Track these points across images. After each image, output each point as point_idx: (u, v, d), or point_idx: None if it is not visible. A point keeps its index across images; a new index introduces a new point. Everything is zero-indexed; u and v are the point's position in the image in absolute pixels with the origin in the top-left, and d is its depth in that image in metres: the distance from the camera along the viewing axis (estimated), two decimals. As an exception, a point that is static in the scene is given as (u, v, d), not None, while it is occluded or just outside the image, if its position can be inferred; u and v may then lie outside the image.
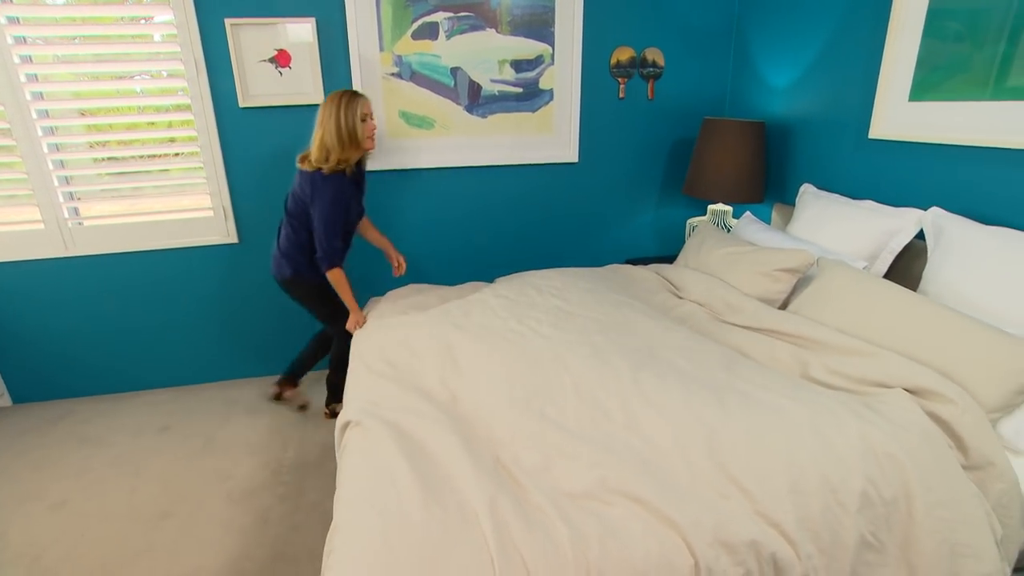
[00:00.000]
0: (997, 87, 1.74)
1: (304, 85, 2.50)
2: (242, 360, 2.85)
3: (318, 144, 2.03)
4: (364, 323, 2.04)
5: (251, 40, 2.38)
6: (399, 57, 2.56)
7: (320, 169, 2.03)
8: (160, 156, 2.52)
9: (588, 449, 1.19)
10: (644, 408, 1.27)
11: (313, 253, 2.12)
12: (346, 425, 1.43)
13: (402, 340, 1.73)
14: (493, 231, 2.93)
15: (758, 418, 1.22)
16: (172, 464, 2.24)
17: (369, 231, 2.43)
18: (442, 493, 1.11)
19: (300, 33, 2.42)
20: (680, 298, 2.10)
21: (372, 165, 2.64)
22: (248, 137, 2.52)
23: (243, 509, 1.99)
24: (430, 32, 2.56)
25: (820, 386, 1.43)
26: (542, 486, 1.13)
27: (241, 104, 2.44)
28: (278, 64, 2.45)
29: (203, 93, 2.41)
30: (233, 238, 2.65)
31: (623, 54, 2.81)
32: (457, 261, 2.94)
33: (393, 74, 2.58)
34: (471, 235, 2.91)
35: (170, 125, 2.54)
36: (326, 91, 2.52)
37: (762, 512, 1.09)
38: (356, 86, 2.53)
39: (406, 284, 2.40)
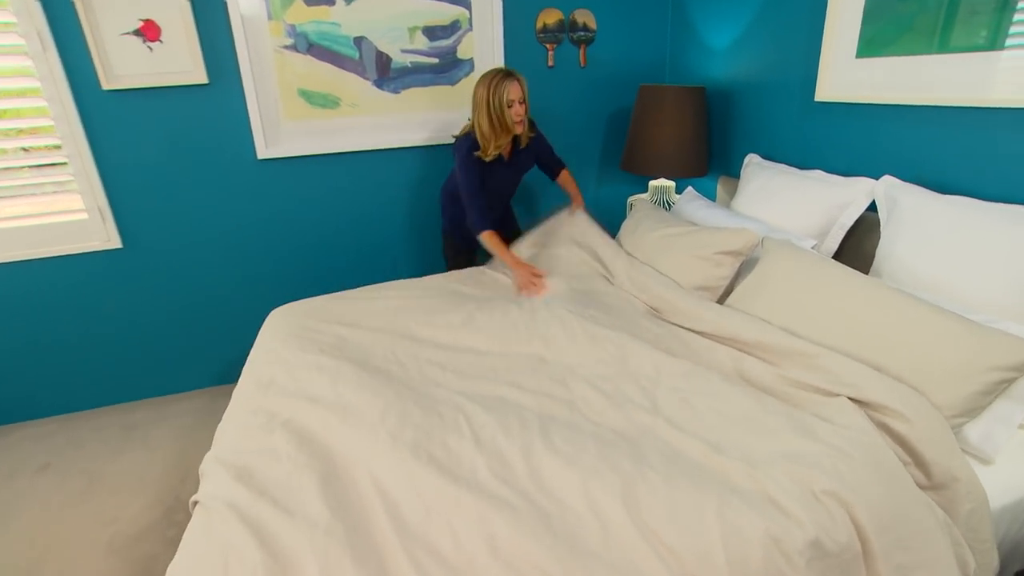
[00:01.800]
0: (943, 39, 1.54)
1: (181, 62, 2.15)
2: (142, 379, 2.53)
3: (477, 131, 2.02)
4: (536, 279, 1.91)
5: (107, 8, 2.01)
6: (292, 26, 2.23)
7: (459, 136, 2.08)
8: (12, 152, 2.14)
9: (477, 500, 0.96)
10: (550, 457, 1.05)
11: (459, 214, 2.19)
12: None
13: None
14: (413, 219, 2.65)
15: (682, 466, 1.01)
16: (48, 510, 1.93)
17: (567, 184, 2.39)
18: (275, 558, 0.87)
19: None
20: (612, 283, 1.89)
21: (265, 154, 2.32)
22: (121, 125, 2.17)
23: (124, 559, 1.72)
24: (326, -4, 2.23)
25: (758, 391, 1.23)
26: (413, 547, 0.90)
27: (105, 86, 2.08)
28: (145, 37, 2.09)
29: (54, 73, 2.04)
30: (115, 243, 2.31)
31: (550, 17, 2.53)
32: (371, 255, 2.65)
33: (286, 46, 2.25)
34: (388, 225, 2.63)
35: (19, 114, 2.16)
36: (208, 68, 2.18)
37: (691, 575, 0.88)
38: (242, 61, 2.19)
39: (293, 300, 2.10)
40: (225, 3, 2.12)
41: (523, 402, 1.26)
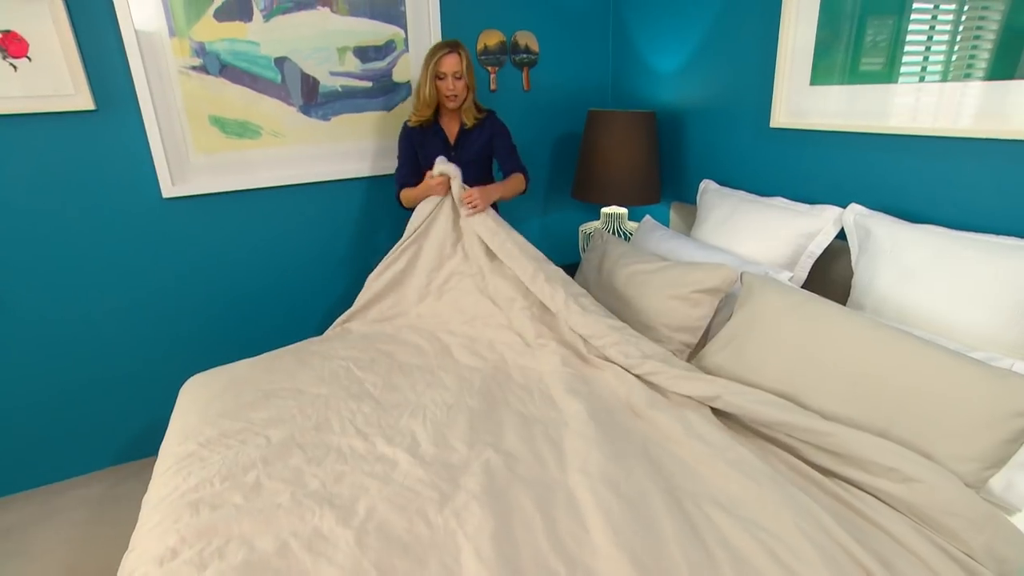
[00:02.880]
0: (889, 68, 1.56)
1: (59, 83, 1.79)
2: (16, 468, 2.05)
3: (412, 95, 2.11)
4: (437, 180, 1.90)
5: (-45, 20, 1.63)
6: (200, 45, 1.93)
7: None
8: None
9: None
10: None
11: None
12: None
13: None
14: (352, 262, 2.38)
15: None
16: None
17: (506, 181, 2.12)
18: None
19: (36, 8, 1.71)
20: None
21: (172, 193, 1.98)
22: (-22, 161, 1.77)
23: None
24: (240, 11, 1.96)
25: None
26: None
27: (-46, 114, 1.69)
28: (7, 53, 1.72)
29: None
30: (-25, 304, 1.87)
31: (491, 39, 2.39)
32: (305, 305, 2.34)
33: (194, 67, 1.94)
34: (323, 270, 2.34)
35: None
36: (95, 92, 1.83)
37: None
38: (139, 83, 1.86)
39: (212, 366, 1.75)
40: (115, 15, 1.79)
41: (523, 499, 1.06)
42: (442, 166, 1.90)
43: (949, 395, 1.09)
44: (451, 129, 2.06)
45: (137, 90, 1.87)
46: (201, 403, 1.45)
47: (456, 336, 1.77)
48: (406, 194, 2.03)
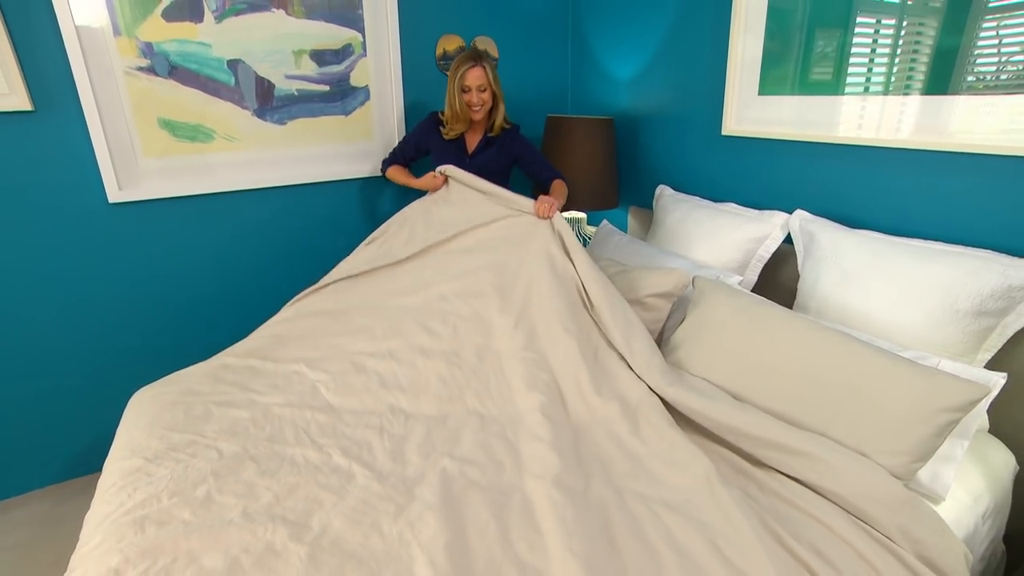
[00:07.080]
0: (837, 80, 1.64)
1: (-8, 84, 1.70)
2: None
3: (446, 109, 2.03)
4: (440, 181, 1.94)
5: None
6: (148, 45, 1.87)
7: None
8: None
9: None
10: None
11: None
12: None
13: None
14: (311, 269, 2.34)
15: None
16: None
17: (551, 190, 2.10)
18: None
19: (-31, 7, 1.63)
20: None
21: (118, 198, 1.91)
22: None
23: None
24: (191, 11, 1.91)
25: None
26: None
27: None
28: (-63, 53, 1.63)
29: None
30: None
31: (450, 43, 2.39)
32: (262, 315, 2.29)
33: (141, 68, 1.88)
34: (281, 277, 2.30)
35: None
36: (32, 91, 1.76)
37: None
38: (80, 81, 1.79)
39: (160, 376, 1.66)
40: (54, 12, 1.72)
41: (477, 501, 1.07)
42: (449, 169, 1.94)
43: (883, 393, 1.15)
44: (472, 139, 2.10)
45: (79, 90, 1.80)
46: (149, 416, 1.40)
47: (408, 310, 1.69)
48: (393, 172, 2.11)
